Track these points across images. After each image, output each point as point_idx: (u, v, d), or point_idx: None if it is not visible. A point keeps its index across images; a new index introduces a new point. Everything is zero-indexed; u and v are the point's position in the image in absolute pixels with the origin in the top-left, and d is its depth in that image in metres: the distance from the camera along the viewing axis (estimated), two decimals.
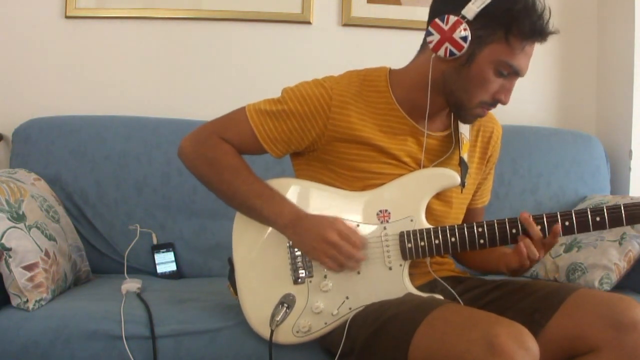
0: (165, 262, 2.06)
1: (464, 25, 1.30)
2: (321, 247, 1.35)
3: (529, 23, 1.29)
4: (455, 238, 1.37)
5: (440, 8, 1.35)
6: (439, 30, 1.32)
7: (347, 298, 1.38)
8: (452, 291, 1.38)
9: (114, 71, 2.34)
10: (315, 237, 1.35)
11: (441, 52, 1.33)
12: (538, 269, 1.99)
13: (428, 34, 1.34)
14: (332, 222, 1.36)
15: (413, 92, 1.42)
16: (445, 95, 1.39)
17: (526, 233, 1.34)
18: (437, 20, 1.32)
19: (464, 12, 1.30)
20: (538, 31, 1.30)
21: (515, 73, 1.34)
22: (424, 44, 1.40)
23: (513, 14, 1.28)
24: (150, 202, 2.10)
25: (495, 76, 1.33)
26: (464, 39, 1.30)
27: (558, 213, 1.34)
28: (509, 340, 1.07)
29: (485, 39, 1.31)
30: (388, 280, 1.38)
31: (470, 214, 1.57)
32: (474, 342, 1.09)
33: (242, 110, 1.46)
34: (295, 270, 1.40)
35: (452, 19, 1.31)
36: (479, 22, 1.30)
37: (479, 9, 1.29)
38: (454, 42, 1.31)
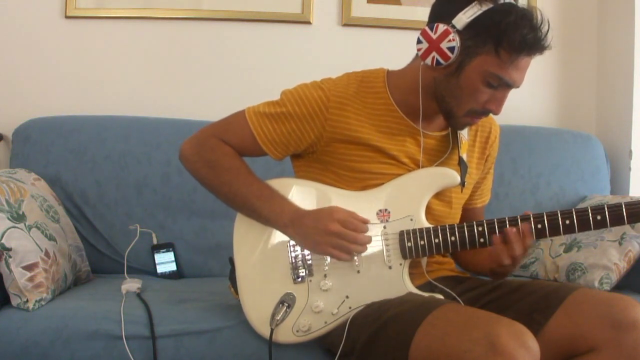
0: (165, 262, 2.06)
1: (452, 35, 1.30)
2: (325, 240, 1.35)
3: (520, 36, 1.26)
4: (455, 237, 1.37)
5: (434, 15, 1.36)
6: (428, 38, 1.32)
7: (347, 297, 1.38)
8: (451, 292, 1.39)
9: (114, 71, 2.34)
10: (317, 232, 1.35)
11: (428, 61, 1.33)
12: (538, 269, 1.99)
13: (418, 41, 1.34)
14: (330, 213, 1.36)
15: (409, 95, 1.42)
16: (437, 100, 1.39)
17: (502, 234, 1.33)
18: (426, 28, 1.33)
19: (454, 21, 1.30)
20: (529, 45, 1.28)
21: (507, 85, 1.33)
22: None
23: (503, 26, 1.27)
24: (150, 202, 2.10)
25: (485, 87, 1.33)
26: (451, 49, 1.30)
27: (559, 211, 1.34)
28: (510, 339, 1.08)
29: (475, 50, 1.30)
30: (388, 280, 1.38)
31: (470, 213, 1.58)
32: (475, 341, 1.09)
33: (241, 113, 1.47)
34: (295, 269, 1.40)
35: (441, 28, 1.31)
36: (469, 33, 1.30)
37: (469, 20, 1.29)
38: (440, 52, 1.31)
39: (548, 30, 1.29)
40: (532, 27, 1.27)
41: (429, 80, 1.38)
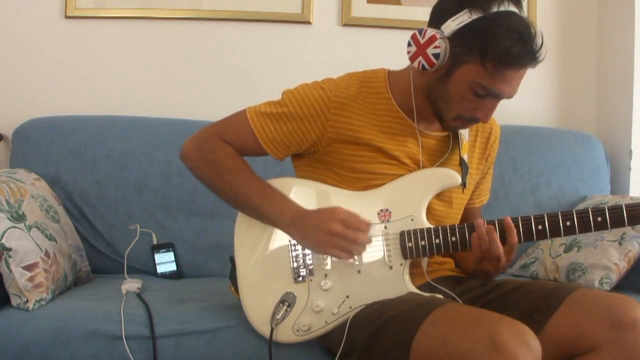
0: (165, 262, 2.06)
1: (439, 41, 1.29)
2: (326, 240, 1.35)
3: (504, 48, 1.24)
4: (456, 237, 1.37)
5: (430, 18, 1.36)
6: (416, 42, 1.32)
7: (347, 297, 1.38)
8: (451, 292, 1.39)
9: (114, 71, 2.34)
10: (319, 231, 1.35)
11: (415, 64, 1.34)
12: (538, 269, 1.99)
13: (408, 44, 1.34)
14: (332, 213, 1.36)
15: (407, 95, 1.42)
16: (430, 102, 1.39)
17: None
18: (416, 32, 1.33)
19: (443, 27, 1.30)
20: (513, 58, 1.24)
21: (494, 96, 1.32)
22: None
23: (489, 36, 1.25)
24: (150, 202, 2.10)
25: (472, 95, 1.32)
26: (436, 55, 1.30)
27: (559, 213, 1.34)
28: (512, 338, 1.07)
29: (462, 58, 1.29)
30: (388, 280, 1.38)
31: (468, 213, 1.58)
32: (477, 340, 1.09)
33: (242, 112, 1.47)
34: (296, 268, 1.40)
35: (429, 33, 1.30)
36: (457, 40, 1.29)
37: (457, 27, 1.28)
38: (426, 57, 1.31)
39: (541, 45, 1.26)
40: (519, 40, 1.24)
41: (423, 82, 1.38)
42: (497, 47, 1.24)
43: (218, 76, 2.38)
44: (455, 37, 1.29)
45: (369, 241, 1.37)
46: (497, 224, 1.35)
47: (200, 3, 2.37)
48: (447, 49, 1.30)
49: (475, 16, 1.27)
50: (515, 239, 1.34)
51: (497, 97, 1.32)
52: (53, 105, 2.27)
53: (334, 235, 1.34)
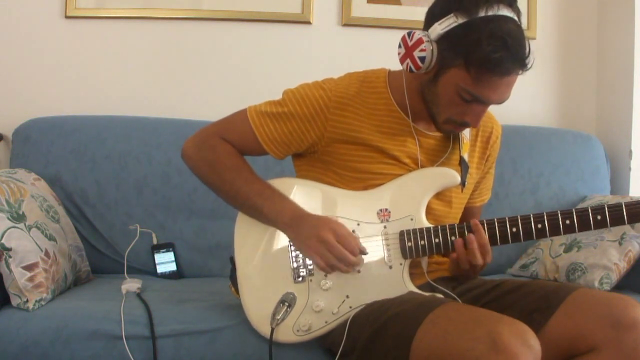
0: (165, 262, 2.06)
1: (425, 45, 1.29)
2: (314, 245, 1.35)
3: (485, 55, 1.22)
4: (455, 237, 1.37)
5: (424, 20, 1.35)
6: (405, 44, 1.33)
7: (347, 297, 1.38)
8: (450, 293, 1.39)
9: (114, 71, 2.34)
10: (310, 235, 1.35)
11: (404, 66, 1.34)
12: (538, 269, 1.99)
13: (399, 45, 1.35)
14: (330, 223, 1.36)
15: (406, 95, 1.42)
16: (424, 104, 1.39)
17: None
18: (405, 34, 1.33)
19: (430, 31, 1.30)
20: (494, 65, 1.23)
21: (480, 102, 1.31)
22: None
23: (472, 42, 1.24)
24: (150, 202, 2.10)
25: (459, 99, 1.31)
26: (422, 59, 1.30)
27: (559, 211, 1.34)
28: (512, 338, 1.08)
29: (449, 62, 1.29)
30: (388, 279, 1.38)
31: (468, 212, 1.58)
32: (477, 339, 1.09)
33: (243, 112, 1.47)
34: (296, 268, 1.40)
35: (417, 36, 1.30)
36: (444, 44, 1.29)
37: (442, 31, 1.28)
38: (413, 60, 1.31)
39: (528, 53, 1.25)
40: (502, 46, 1.22)
41: (417, 84, 1.39)
42: (479, 53, 1.23)
43: (218, 76, 2.38)
44: (442, 41, 1.29)
45: (357, 263, 1.36)
46: (485, 226, 1.35)
47: (200, 3, 2.37)
48: (434, 53, 1.29)
49: (461, 20, 1.26)
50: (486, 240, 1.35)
51: (484, 103, 1.32)
52: (53, 105, 2.27)
53: (322, 243, 1.34)
